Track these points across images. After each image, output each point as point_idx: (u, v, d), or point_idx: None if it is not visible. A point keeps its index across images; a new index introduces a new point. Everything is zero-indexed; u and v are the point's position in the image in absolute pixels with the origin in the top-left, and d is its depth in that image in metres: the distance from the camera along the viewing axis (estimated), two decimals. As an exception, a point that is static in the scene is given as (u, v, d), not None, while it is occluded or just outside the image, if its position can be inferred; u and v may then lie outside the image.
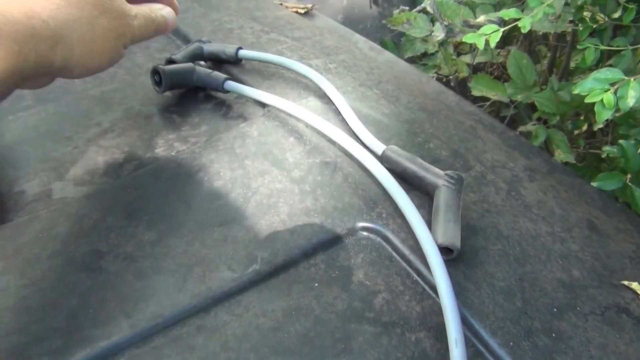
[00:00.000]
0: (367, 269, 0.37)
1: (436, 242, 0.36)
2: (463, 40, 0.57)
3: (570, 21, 0.68)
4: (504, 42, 0.89)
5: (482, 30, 0.56)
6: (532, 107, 0.81)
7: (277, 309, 0.34)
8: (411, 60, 1.00)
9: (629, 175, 0.56)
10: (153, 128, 0.50)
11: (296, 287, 0.35)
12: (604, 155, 0.66)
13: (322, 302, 0.35)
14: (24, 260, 0.37)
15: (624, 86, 0.50)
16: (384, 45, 1.61)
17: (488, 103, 0.82)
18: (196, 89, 0.55)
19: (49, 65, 0.37)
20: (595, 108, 0.52)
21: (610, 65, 0.60)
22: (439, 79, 0.92)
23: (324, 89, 0.52)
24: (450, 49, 0.93)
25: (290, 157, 0.45)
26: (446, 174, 0.40)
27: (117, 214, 0.40)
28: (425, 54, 1.00)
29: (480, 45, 0.55)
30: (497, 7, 0.72)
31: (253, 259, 0.36)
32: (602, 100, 0.51)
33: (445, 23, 0.69)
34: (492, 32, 0.55)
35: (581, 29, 0.63)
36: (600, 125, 0.73)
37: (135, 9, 0.44)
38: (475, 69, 0.95)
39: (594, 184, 0.54)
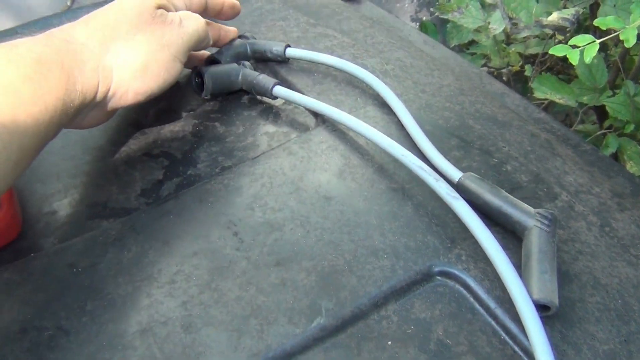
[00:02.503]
0: (446, 324, 0.32)
1: (531, 297, 0.31)
2: (550, 52, 0.50)
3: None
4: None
5: (575, 40, 0.49)
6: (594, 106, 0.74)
7: (346, 373, 0.30)
8: (457, 49, 0.94)
9: None
10: (194, 138, 0.45)
11: (367, 346, 0.31)
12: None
13: (398, 365, 0.30)
14: (56, 302, 0.32)
15: None
16: (424, 28, 1.53)
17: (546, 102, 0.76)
18: (239, 91, 0.50)
19: (94, 91, 0.36)
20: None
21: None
22: (490, 72, 0.86)
23: (384, 96, 0.46)
24: (502, 36, 0.86)
25: (351, 182, 0.39)
26: (538, 213, 0.34)
27: (158, 246, 0.36)
28: (472, 42, 0.93)
29: (575, 61, 0.48)
30: (562, 1, 0.65)
31: (317, 310, 0.32)
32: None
33: (509, 15, 0.63)
34: (587, 45, 0.48)
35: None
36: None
37: (179, 15, 0.41)
38: (527, 59, 0.88)
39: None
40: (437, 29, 1.58)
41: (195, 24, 0.42)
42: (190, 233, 0.36)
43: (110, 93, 0.38)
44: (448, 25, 0.94)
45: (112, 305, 0.32)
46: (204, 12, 0.47)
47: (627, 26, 0.46)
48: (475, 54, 0.94)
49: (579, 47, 0.49)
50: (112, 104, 0.39)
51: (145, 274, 0.34)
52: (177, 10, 0.43)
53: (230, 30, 0.51)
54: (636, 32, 0.46)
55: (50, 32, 0.36)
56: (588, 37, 0.49)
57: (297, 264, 0.34)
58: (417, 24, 1.59)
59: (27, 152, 0.32)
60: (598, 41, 0.49)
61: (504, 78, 0.87)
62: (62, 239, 0.37)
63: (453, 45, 0.93)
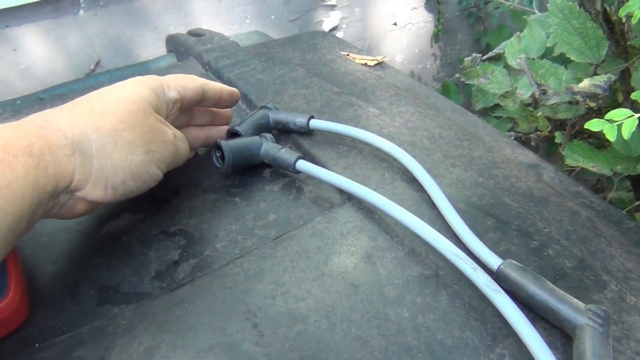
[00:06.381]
0: None
1: (587, 410, 0.27)
2: (586, 127, 0.48)
3: None
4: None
5: (612, 115, 0.46)
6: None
7: None
8: (483, 112, 0.92)
9: None
10: (213, 214, 0.43)
11: None
12: None
13: None
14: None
15: None
16: (446, 88, 1.53)
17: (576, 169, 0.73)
18: (260, 164, 0.48)
19: (69, 177, 0.34)
20: None
21: None
22: (517, 137, 0.83)
23: (412, 171, 0.44)
24: (529, 100, 0.84)
25: (381, 268, 0.37)
26: (589, 310, 0.31)
27: (171, 339, 0.33)
28: (497, 105, 0.91)
29: (612, 137, 0.46)
30: (594, 66, 0.63)
31: (344, 420, 0.28)
32: None
33: (537, 82, 0.61)
34: (626, 119, 0.46)
35: None
36: None
37: (174, 132, 0.41)
38: (556, 124, 0.85)
39: None
40: (460, 89, 1.58)
41: (184, 146, 0.42)
42: (206, 324, 0.34)
43: (90, 184, 0.35)
44: (473, 89, 0.92)
45: (119, 410, 0.29)
46: (202, 101, 0.45)
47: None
48: (501, 117, 0.92)
49: (616, 121, 0.47)
50: (92, 196, 0.36)
51: (156, 372, 0.31)
52: (169, 99, 0.42)
53: (219, 131, 0.50)
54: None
55: (26, 118, 0.34)
56: (625, 112, 0.46)
57: (322, 363, 0.31)
58: (440, 84, 1.59)
59: None
60: (637, 116, 0.46)
61: (532, 143, 0.84)
62: (71, 326, 0.35)
63: (478, 108, 0.92)
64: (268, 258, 0.38)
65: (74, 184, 0.34)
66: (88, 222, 0.43)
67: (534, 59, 0.63)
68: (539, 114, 0.84)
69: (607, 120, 0.47)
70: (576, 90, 0.55)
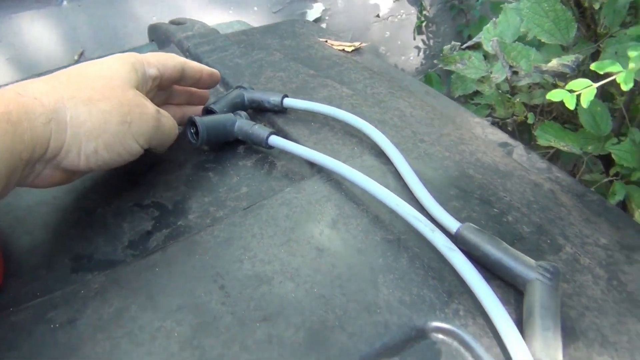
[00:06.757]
0: (443, 386, 0.30)
1: (533, 356, 0.29)
2: (548, 98, 0.50)
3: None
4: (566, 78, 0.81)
5: (572, 85, 0.48)
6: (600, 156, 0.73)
7: None
8: (462, 99, 0.93)
9: None
10: (187, 188, 0.44)
11: (357, 410, 0.29)
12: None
13: None
14: (30, 362, 0.31)
15: None
16: (428, 79, 1.55)
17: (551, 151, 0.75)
18: (235, 141, 0.49)
19: (45, 145, 0.35)
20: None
21: None
22: (494, 123, 0.85)
23: (381, 145, 0.45)
24: (506, 87, 0.85)
25: (345, 233, 0.38)
26: (540, 266, 0.32)
27: (141, 301, 0.34)
28: (476, 93, 0.93)
29: (571, 106, 0.47)
30: (565, 49, 0.65)
31: (304, 370, 0.30)
32: None
33: (509, 63, 0.62)
34: (584, 89, 0.47)
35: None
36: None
37: (157, 108, 0.41)
38: (532, 110, 0.87)
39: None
40: (442, 80, 1.59)
41: (169, 122, 0.43)
42: (175, 287, 0.35)
43: (63, 151, 0.36)
44: (452, 76, 0.94)
45: (88, 364, 0.30)
46: (181, 79, 0.46)
47: (624, 70, 0.45)
48: (479, 104, 0.93)
49: (576, 91, 0.48)
50: (66, 163, 0.37)
51: (125, 331, 0.32)
52: (148, 76, 0.42)
53: (195, 110, 0.51)
54: (633, 75, 0.44)
55: (4, 87, 0.35)
56: (585, 82, 0.48)
57: (284, 320, 0.32)
58: (423, 76, 1.61)
59: None
60: (595, 85, 0.48)
61: (509, 128, 0.86)
62: (44, 292, 0.36)
63: (457, 95, 0.93)
64: (238, 226, 0.39)
65: (49, 151, 0.35)
66: (64, 195, 0.44)
67: (506, 42, 0.65)
68: (516, 100, 0.86)
69: (568, 90, 0.48)
70: (544, 69, 0.56)
